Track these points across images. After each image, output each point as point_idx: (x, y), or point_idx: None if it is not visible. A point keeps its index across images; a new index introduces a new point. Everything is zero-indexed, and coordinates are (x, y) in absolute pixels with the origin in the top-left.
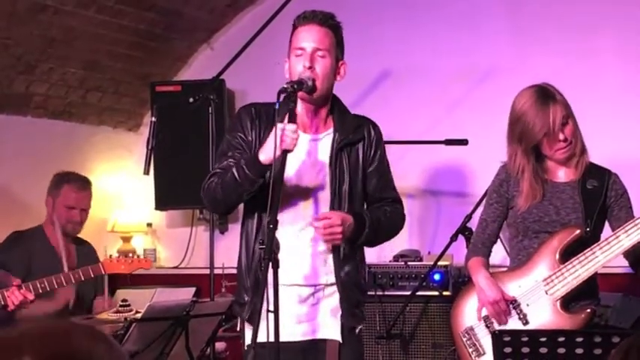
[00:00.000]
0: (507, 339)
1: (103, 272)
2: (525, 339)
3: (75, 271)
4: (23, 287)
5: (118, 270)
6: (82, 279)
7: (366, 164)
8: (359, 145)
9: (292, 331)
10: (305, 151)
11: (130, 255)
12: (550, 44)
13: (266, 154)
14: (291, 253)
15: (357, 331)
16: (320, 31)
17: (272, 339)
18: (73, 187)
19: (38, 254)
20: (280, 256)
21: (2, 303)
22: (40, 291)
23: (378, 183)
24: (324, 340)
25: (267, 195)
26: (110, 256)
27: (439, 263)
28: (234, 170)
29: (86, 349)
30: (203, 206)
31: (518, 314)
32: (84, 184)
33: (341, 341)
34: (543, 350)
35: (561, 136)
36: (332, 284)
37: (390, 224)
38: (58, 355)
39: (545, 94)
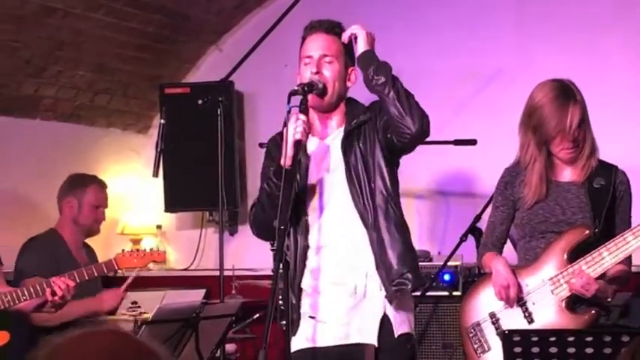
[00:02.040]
0: (517, 339)
1: (117, 267)
2: (535, 339)
3: (88, 267)
4: (66, 276)
5: (131, 264)
6: (95, 275)
7: (377, 130)
8: (368, 125)
9: (328, 335)
10: (319, 154)
11: (143, 249)
12: (557, 45)
13: (284, 158)
14: (319, 251)
15: (396, 334)
16: (327, 39)
17: (308, 344)
18: (98, 186)
19: (62, 258)
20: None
21: (43, 293)
22: None
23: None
24: (362, 345)
25: (302, 198)
26: (123, 250)
27: (449, 263)
28: (265, 186)
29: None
30: (212, 208)
31: (524, 312)
32: (105, 183)
33: (377, 345)
34: (553, 350)
35: (572, 137)
36: (373, 284)
37: (410, 96)
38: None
39: (567, 92)
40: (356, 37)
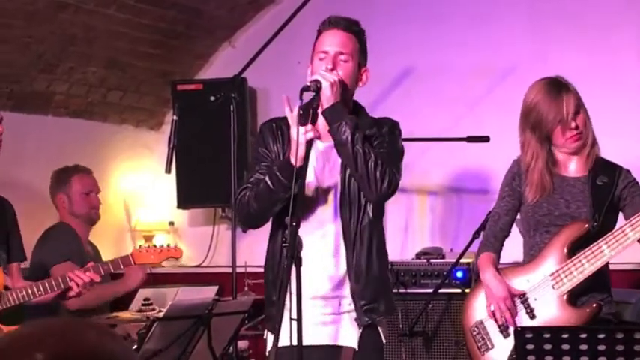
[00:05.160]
0: (529, 335)
1: (133, 263)
2: (547, 335)
3: (104, 263)
4: (91, 269)
5: (147, 260)
6: (112, 270)
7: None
8: (370, 141)
9: (311, 335)
10: (323, 158)
11: (160, 245)
12: (570, 41)
13: (295, 158)
14: (313, 259)
15: (376, 321)
16: (344, 36)
17: (294, 342)
18: (81, 174)
19: (77, 249)
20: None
21: (63, 287)
22: None
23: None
24: (340, 347)
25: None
26: (140, 246)
27: (461, 260)
28: (266, 179)
29: (101, 348)
30: (225, 204)
31: (526, 308)
32: (88, 169)
33: (357, 348)
34: (565, 346)
35: (573, 124)
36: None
37: (369, 160)
38: (72, 353)
39: (557, 84)
40: (320, 85)
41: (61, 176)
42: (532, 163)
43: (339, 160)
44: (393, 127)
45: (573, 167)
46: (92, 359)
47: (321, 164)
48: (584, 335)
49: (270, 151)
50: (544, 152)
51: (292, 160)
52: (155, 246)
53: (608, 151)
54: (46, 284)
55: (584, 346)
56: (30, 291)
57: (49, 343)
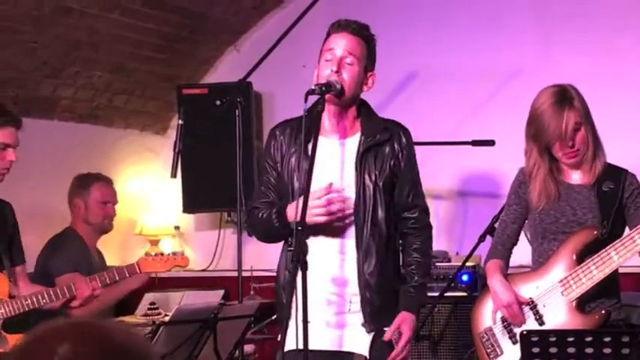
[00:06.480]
0: (535, 339)
1: (139, 272)
2: (553, 339)
3: (110, 271)
4: (96, 278)
5: (154, 269)
6: (117, 279)
7: (395, 169)
8: (386, 148)
9: (320, 339)
10: (331, 154)
11: (167, 253)
12: (575, 44)
13: (291, 214)
14: (319, 257)
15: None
16: (352, 40)
17: (301, 346)
18: (103, 183)
19: (85, 256)
20: (309, 259)
21: (69, 296)
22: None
23: (409, 191)
24: (352, 354)
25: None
26: (146, 254)
27: (467, 264)
28: (273, 216)
29: (124, 345)
30: (231, 209)
31: (535, 315)
32: (109, 179)
33: (368, 357)
34: (571, 350)
35: (570, 142)
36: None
37: (427, 252)
38: (95, 349)
39: (563, 98)
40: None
41: (82, 182)
42: (534, 171)
43: (351, 161)
44: (408, 140)
45: (578, 175)
46: (115, 356)
47: (329, 161)
48: (589, 339)
49: (274, 160)
50: (545, 162)
51: (288, 213)
52: (162, 254)
53: (610, 153)
54: (51, 293)
55: (589, 350)
56: (35, 299)
57: (72, 338)
